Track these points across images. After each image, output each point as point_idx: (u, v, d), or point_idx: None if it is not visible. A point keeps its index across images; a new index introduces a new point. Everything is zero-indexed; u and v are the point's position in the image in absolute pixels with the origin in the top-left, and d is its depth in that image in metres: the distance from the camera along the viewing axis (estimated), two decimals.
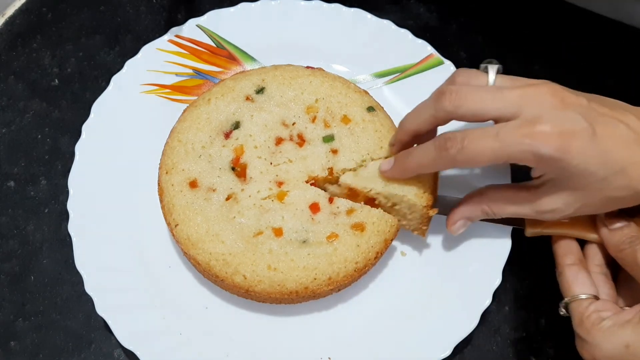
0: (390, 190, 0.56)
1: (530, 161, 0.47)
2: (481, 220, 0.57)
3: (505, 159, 0.47)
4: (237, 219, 0.57)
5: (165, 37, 0.70)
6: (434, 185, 0.59)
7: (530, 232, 0.57)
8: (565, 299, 0.52)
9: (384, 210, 0.57)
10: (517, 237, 0.60)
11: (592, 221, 0.55)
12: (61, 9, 0.76)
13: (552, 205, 0.50)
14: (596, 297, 0.51)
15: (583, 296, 0.51)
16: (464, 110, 0.49)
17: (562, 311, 0.52)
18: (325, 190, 0.59)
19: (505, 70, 0.52)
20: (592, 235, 0.55)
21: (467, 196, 0.57)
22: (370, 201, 0.58)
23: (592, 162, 0.46)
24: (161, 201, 0.59)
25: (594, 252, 0.55)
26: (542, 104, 0.47)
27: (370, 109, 0.63)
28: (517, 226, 0.58)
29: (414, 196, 0.56)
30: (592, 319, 0.48)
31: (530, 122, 0.46)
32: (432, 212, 0.57)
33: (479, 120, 0.50)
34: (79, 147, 0.63)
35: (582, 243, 0.56)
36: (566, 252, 0.54)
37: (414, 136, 0.55)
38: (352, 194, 0.58)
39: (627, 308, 0.49)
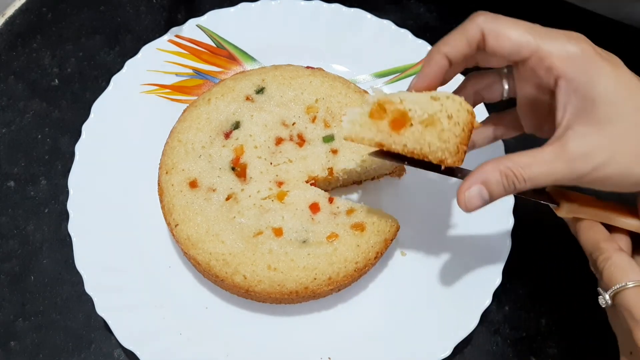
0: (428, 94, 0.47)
1: (556, 63, 0.44)
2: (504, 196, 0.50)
3: (529, 53, 0.45)
4: (237, 219, 0.57)
5: (165, 37, 0.70)
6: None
7: (565, 209, 0.52)
8: (616, 286, 0.47)
9: (414, 135, 0.47)
10: (517, 237, 0.60)
11: (630, 207, 0.51)
12: (61, 9, 0.76)
13: (583, 147, 0.44)
14: None
15: (631, 284, 0.46)
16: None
17: (606, 301, 0.48)
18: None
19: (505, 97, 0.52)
20: (631, 222, 0.51)
21: (483, 163, 0.48)
22: (400, 123, 0.48)
23: (621, 89, 0.44)
24: (161, 201, 0.59)
25: (623, 242, 0.51)
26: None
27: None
28: (550, 203, 0.53)
29: (459, 101, 0.47)
30: None
31: (569, 32, 0.45)
32: (477, 125, 0.49)
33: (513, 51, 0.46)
34: (79, 147, 0.63)
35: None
36: (608, 238, 0.50)
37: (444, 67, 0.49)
38: (379, 112, 0.48)
39: None
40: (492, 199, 0.47)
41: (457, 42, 0.47)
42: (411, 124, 0.47)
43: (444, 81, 0.50)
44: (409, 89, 0.50)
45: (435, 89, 0.49)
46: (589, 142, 0.44)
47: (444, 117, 0.46)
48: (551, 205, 0.53)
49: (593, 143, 0.44)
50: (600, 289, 0.49)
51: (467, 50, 0.47)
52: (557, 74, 0.44)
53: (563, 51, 0.44)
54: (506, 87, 0.52)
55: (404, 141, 0.47)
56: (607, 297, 0.48)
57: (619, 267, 0.48)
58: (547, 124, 0.51)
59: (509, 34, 0.45)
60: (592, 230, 0.51)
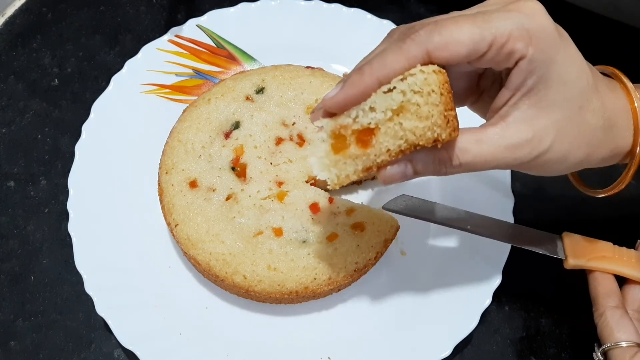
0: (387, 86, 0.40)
1: (517, 46, 0.40)
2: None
3: (486, 46, 0.39)
4: (237, 219, 0.57)
5: (165, 37, 0.70)
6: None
7: (571, 263, 0.51)
8: (605, 345, 0.47)
9: (389, 135, 0.40)
10: None
11: None
12: (61, 8, 0.76)
13: (528, 133, 0.41)
14: (638, 345, 0.47)
15: (624, 344, 0.46)
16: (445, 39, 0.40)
17: (599, 357, 0.48)
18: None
19: None
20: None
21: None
22: (367, 135, 0.40)
23: (572, 70, 0.41)
24: (161, 201, 0.59)
25: (634, 294, 0.50)
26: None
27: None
28: (555, 255, 0.53)
29: (417, 70, 0.39)
30: None
31: (517, 1, 0.41)
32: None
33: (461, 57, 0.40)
34: (78, 147, 0.63)
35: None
36: (609, 293, 0.49)
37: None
38: (340, 143, 0.41)
39: None
40: (416, 176, 0.43)
41: (396, 64, 0.40)
42: (379, 128, 0.40)
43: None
44: (318, 109, 0.43)
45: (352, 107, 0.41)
46: (534, 126, 0.42)
47: (412, 96, 0.39)
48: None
49: (538, 128, 0.42)
50: (595, 344, 0.49)
51: (404, 71, 0.40)
52: (520, 56, 0.40)
53: (523, 31, 0.40)
54: None
55: (384, 148, 0.40)
56: (599, 353, 0.49)
57: (608, 325, 0.48)
58: (481, 96, 0.49)
59: (458, 38, 0.39)
60: (596, 281, 0.51)
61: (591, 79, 0.43)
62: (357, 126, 0.40)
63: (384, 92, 0.39)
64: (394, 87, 0.39)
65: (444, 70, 0.40)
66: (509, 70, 0.42)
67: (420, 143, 0.40)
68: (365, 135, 0.40)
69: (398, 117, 0.39)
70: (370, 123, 0.39)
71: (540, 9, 0.41)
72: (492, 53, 0.40)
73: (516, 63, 0.41)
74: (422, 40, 0.40)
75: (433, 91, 0.39)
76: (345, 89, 0.40)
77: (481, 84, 0.49)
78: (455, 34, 0.39)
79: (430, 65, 0.40)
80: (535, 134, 0.42)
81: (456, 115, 0.41)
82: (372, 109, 0.39)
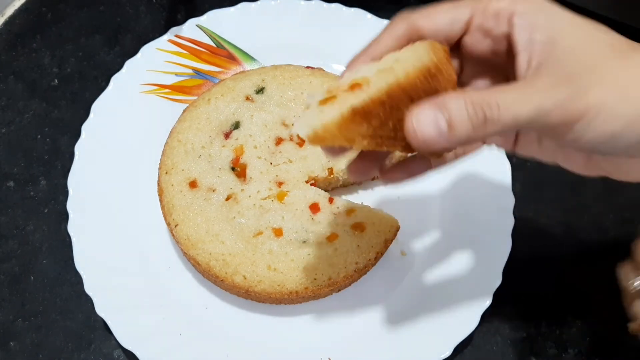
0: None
1: (500, 4, 0.38)
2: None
3: (468, 12, 0.39)
4: (237, 219, 0.57)
5: (165, 37, 0.70)
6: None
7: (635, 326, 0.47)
8: None
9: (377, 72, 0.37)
10: (518, 238, 0.60)
11: None
12: (61, 8, 0.76)
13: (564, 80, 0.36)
14: None
15: None
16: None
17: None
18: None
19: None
20: None
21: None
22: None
23: (583, 44, 0.37)
24: (161, 201, 0.59)
25: None
26: None
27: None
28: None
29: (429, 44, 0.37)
30: None
31: None
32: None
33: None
34: (78, 147, 0.63)
35: None
36: None
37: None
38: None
39: None
40: (451, 133, 0.35)
41: (387, 41, 0.40)
42: (369, 80, 0.37)
43: None
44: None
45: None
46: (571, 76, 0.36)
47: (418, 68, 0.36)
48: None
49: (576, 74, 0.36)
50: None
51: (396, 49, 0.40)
52: (508, 14, 0.37)
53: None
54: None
55: (379, 129, 0.37)
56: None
57: None
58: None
59: (438, 8, 0.39)
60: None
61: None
62: (346, 81, 0.37)
63: (378, 71, 0.37)
64: (388, 68, 0.36)
65: (443, 47, 0.38)
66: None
67: (409, 85, 0.36)
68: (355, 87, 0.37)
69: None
70: (360, 78, 0.37)
71: None
72: (478, 19, 0.38)
73: (511, 22, 0.37)
74: (406, 15, 0.40)
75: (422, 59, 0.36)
76: (343, 75, 0.40)
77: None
78: (437, 6, 0.39)
79: (425, 45, 0.37)
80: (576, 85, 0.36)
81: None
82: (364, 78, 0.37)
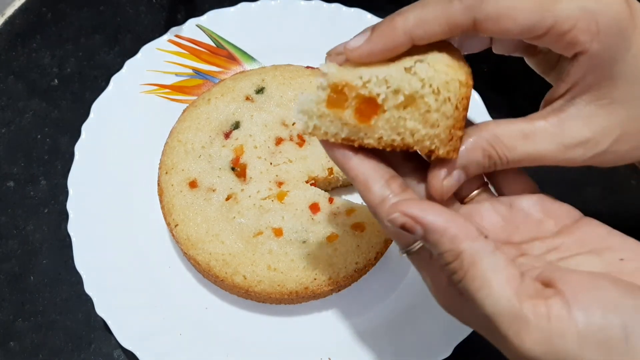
0: (403, 65, 0.36)
1: (580, 38, 0.34)
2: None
3: (544, 30, 0.34)
4: (237, 219, 0.57)
5: (165, 37, 0.70)
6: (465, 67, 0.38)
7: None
8: (402, 252, 0.40)
9: (389, 124, 0.36)
10: None
11: None
12: (61, 8, 0.76)
13: (584, 132, 0.36)
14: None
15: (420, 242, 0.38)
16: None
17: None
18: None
19: (504, 71, 0.50)
20: None
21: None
22: (369, 110, 0.36)
23: None
24: (161, 201, 0.59)
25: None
26: None
27: None
28: None
29: (445, 67, 0.35)
30: None
31: None
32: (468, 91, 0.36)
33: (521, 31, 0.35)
34: (78, 147, 0.63)
35: None
36: (367, 184, 0.37)
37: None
38: (338, 99, 0.36)
39: None
40: (466, 179, 0.38)
41: (435, 26, 0.35)
42: (384, 110, 0.35)
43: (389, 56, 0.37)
44: (338, 53, 0.39)
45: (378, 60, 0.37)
46: (593, 126, 0.37)
47: (429, 94, 0.35)
48: None
49: (598, 128, 0.37)
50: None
51: (442, 37, 0.36)
52: (580, 50, 0.35)
53: (590, 21, 0.34)
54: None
55: (377, 133, 0.36)
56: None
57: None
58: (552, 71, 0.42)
59: (513, 14, 0.34)
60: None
61: None
62: (364, 91, 0.35)
63: (405, 69, 0.35)
64: (415, 68, 0.35)
65: (471, 83, 0.36)
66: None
67: (414, 148, 0.36)
68: (367, 107, 0.36)
69: (405, 110, 0.35)
70: (378, 95, 0.35)
71: None
72: (549, 39, 0.35)
73: (575, 55, 0.35)
74: (472, 5, 0.34)
75: (449, 100, 0.35)
76: (372, 41, 0.36)
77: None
78: (511, 8, 0.34)
79: (460, 70, 0.36)
80: (593, 135, 0.37)
81: (462, 137, 0.37)
82: (386, 81, 0.35)
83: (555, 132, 0.37)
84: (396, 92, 0.35)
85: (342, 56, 0.38)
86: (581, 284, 0.32)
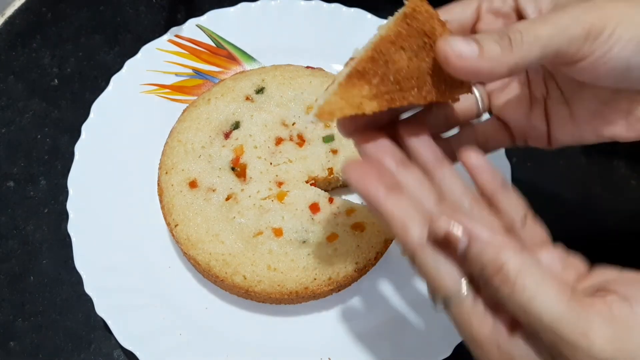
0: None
1: None
2: None
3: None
4: (237, 219, 0.57)
5: (165, 37, 0.70)
6: None
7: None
8: (439, 303, 0.38)
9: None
10: None
11: None
12: (61, 8, 0.76)
13: (585, 15, 0.36)
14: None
15: (464, 291, 0.35)
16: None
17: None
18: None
19: None
20: None
21: None
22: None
23: None
24: (161, 201, 0.59)
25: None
26: None
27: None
28: None
29: None
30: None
31: None
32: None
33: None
34: (78, 147, 0.63)
35: None
36: (405, 225, 0.35)
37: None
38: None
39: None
40: (482, 53, 0.35)
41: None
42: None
43: None
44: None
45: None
46: (595, 12, 0.36)
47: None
48: None
49: (600, 13, 0.36)
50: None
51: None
52: None
53: None
54: (477, 93, 0.44)
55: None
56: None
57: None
58: (535, 109, 0.44)
59: (453, 3, 0.40)
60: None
61: None
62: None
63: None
64: None
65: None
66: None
67: (393, 34, 0.37)
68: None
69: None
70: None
71: None
72: (486, 4, 0.40)
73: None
74: None
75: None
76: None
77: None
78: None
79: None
80: (596, 19, 0.36)
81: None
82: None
83: (560, 16, 0.36)
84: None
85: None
86: (631, 282, 0.32)
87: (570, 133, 0.44)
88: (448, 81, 0.38)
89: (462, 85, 0.39)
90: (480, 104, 0.45)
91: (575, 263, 0.38)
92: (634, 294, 0.31)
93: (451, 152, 0.42)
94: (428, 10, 0.38)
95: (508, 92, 0.46)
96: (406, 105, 0.37)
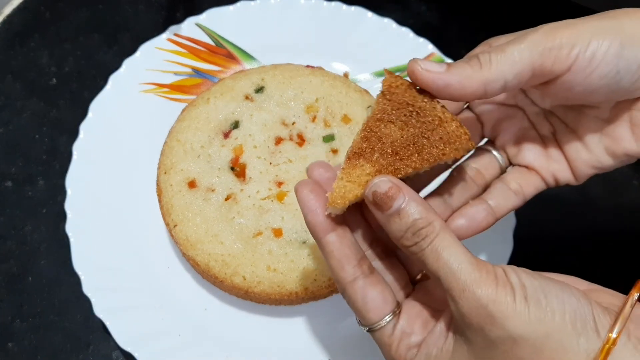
0: None
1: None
2: None
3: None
4: (236, 219, 0.56)
5: (164, 35, 0.69)
6: None
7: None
8: (364, 328, 0.40)
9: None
10: (519, 239, 0.60)
11: None
12: (59, 7, 0.76)
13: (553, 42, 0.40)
14: (397, 308, 0.39)
15: (383, 322, 0.39)
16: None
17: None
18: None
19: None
20: None
21: None
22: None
23: None
24: (160, 201, 0.59)
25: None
26: None
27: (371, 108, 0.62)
28: None
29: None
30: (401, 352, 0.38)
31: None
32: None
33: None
34: (76, 147, 0.63)
35: None
36: (342, 263, 0.39)
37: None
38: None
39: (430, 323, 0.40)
40: (449, 70, 0.40)
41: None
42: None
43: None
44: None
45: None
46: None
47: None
48: None
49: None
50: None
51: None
52: None
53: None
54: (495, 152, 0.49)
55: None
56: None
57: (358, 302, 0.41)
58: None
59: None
60: (330, 255, 0.41)
61: None
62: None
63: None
64: None
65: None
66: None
67: (378, 112, 0.41)
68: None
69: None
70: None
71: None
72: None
73: None
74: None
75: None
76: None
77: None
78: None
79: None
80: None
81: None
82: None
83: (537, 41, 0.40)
84: None
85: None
86: (510, 266, 0.37)
87: (588, 161, 0.46)
88: (445, 139, 0.40)
89: (461, 139, 0.41)
90: (499, 160, 0.49)
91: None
92: (511, 271, 0.36)
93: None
94: (403, 83, 0.42)
95: (518, 140, 0.48)
96: (411, 172, 0.39)
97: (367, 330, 0.40)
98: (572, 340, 0.33)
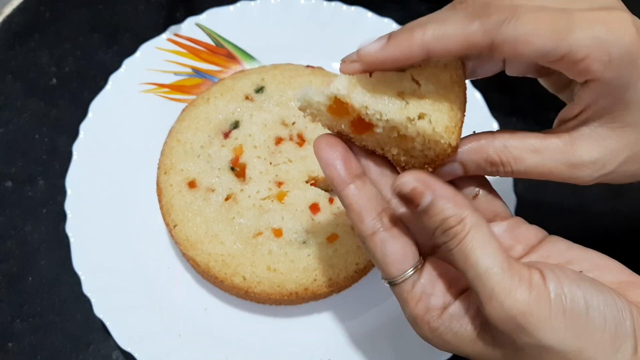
0: (407, 113, 0.37)
1: (592, 67, 0.35)
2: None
3: (565, 51, 0.35)
4: (236, 219, 0.56)
5: (164, 35, 0.69)
6: (462, 110, 0.40)
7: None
8: (384, 281, 0.40)
9: (376, 139, 0.40)
10: None
11: None
12: (59, 7, 0.76)
13: (595, 154, 0.38)
14: (420, 263, 0.38)
15: (403, 277, 0.38)
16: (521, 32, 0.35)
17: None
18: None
19: (504, 70, 0.50)
20: None
21: (470, 136, 0.40)
22: (363, 126, 0.39)
23: None
24: (160, 201, 0.59)
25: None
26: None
27: None
28: None
29: (443, 130, 0.37)
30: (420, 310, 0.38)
31: (608, 9, 0.36)
32: (452, 153, 0.39)
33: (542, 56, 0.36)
34: (76, 147, 0.63)
35: None
36: (361, 215, 0.38)
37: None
38: (338, 108, 0.39)
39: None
40: (465, 173, 0.40)
41: (452, 42, 0.35)
42: (376, 132, 0.38)
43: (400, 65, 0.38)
44: (352, 60, 0.38)
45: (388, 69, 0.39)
46: (603, 147, 0.38)
47: (419, 142, 0.38)
48: None
49: (607, 150, 0.38)
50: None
51: (457, 54, 0.38)
52: (592, 77, 0.36)
53: (603, 52, 0.35)
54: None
55: (363, 142, 0.40)
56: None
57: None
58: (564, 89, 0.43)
59: (530, 40, 0.35)
60: (349, 208, 0.40)
61: None
62: (365, 116, 0.38)
63: (407, 118, 0.37)
64: (414, 119, 0.37)
65: (457, 148, 0.39)
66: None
67: (390, 159, 0.41)
68: (362, 124, 0.39)
69: (392, 138, 0.39)
70: (376, 125, 0.38)
71: (630, 24, 0.36)
72: (563, 65, 0.36)
73: (586, 81, 0.37)
74: (491, 28, 0.35)
75: (434, 151, 0.38)
76: (387, 49, 0.37)
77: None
78: (529, 34, 0.34)
79: (449, 137, 0.37)
80: (602, 156, 0.38)
81: (435, 168, 0.40)
82: (387, 121, 0.37)
83: (565, 151, 0.38)
84: (393, 128, 0.38)
85: (356, 64, 0.39)
86: (551, 265, 0.36)
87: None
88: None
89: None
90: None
91: (527, 235, 0.42)
92: (551, 274, 0.35)
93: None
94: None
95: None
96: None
97: (387, 284, 0.39)
98: (608, 357, 0.33)
